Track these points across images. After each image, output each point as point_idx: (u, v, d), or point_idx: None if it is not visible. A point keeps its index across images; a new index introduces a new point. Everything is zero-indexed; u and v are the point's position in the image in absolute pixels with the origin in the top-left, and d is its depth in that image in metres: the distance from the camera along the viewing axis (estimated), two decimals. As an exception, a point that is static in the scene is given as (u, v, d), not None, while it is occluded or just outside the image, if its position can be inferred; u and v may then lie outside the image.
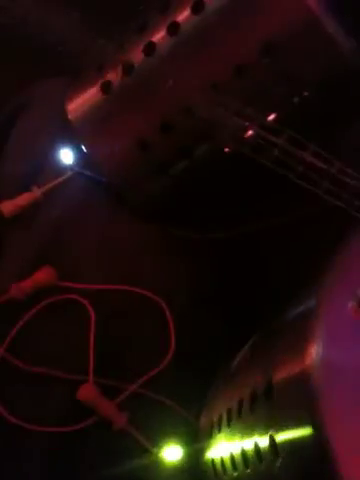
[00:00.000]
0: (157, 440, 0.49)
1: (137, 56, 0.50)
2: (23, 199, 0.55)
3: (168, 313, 0.54)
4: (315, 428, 0.33)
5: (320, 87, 0.49)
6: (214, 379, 0.51)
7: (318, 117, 0.51)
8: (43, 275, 0.52)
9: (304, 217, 0.57)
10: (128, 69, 0.50)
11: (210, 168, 0.53)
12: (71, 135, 0.55)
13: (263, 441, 0.37)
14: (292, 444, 0.35)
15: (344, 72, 0.48)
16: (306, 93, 0.49)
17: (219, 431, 0.45)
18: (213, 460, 0.45)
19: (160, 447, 0.49)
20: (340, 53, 0.47)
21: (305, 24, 0.45)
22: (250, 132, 0.52)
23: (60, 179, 0.55)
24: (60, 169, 0.56)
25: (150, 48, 0.49)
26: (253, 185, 0.56)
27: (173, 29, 0.48)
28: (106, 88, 0.51)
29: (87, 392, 0.49)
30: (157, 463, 0.49)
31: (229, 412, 0.43)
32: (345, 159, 0.58)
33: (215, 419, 0.46)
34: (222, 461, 0.43)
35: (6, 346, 0.50)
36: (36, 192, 0.55)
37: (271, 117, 0.51)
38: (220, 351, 0.52)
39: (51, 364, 0.50)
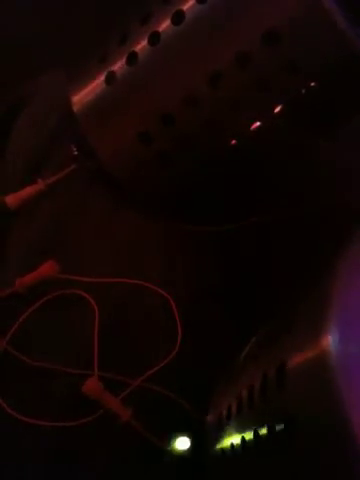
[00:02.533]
0: (162, 434, 0.49)
1: (141, 46, 0.49)
2: (27, 192, 0.54)
3: (174, 306, 0.53)
4: (333, 412, 0.33)
5: (326, 77, 0.48)
6: (221, 372, 0.50)
7: (324, 108, 0.51)
8: (46, 269, 0.52)
9: (307, 210, 0.57)
10: (132, 59, 0.50)
11: (213, 160, 0.53)
12: (74, 127, 0.54)
13: (278, 425, 0.37)
14: (308, 428, 0.35)
15: (350, 61, 0.47)
16: (313, 83, 0.49)
17: (228, 422, 0.44)
18: (223, 449, 0.45)
19: (165, 441, 0.49)
20: (346, 42, 0.46)
21: (308, 11, 0.45)
22: (257, 124, 0.52)
23: (64, 172, 0.55)
24: (64, 162, 0.56)
25: (154, 38, 0.49)
26: (256, 177, 0.56)
27: (178, 18, 0.48)
28: (110, 79, 0.51)
29: (92, 386, 0.48)
30: (162, 457, 0.48)
31: (239, 402, 0.42)
32: (345, 140, 0.58)
33: (224, 411, 0.45)
34: (232, 447, 0.43)
35: (9, 340, 0.50)
36: (40, 185, 0.55)
37: (277, 109, 0.51)
38: (225, 344, 0.52)
39: (54, 358, 0.50)
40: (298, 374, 0.36)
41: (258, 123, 0.51)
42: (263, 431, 0.39)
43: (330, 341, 0.34)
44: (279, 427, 0.37)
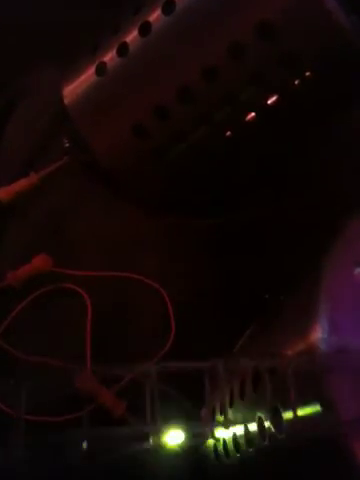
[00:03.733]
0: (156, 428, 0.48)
1: (132, 37, 0.49)
2: (20, 185, 0.54)
3: (168, 300, 0.53)
4: (323, 403, 0.33)
5: (321, 68, 0.47)
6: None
7: (319, 99, 0.50)
8: (39, 262, 0.51)
9: (303, 202, 0.56)
10: (123, 50, 0.49)
11: (208, 152, 0.52)
12: (67, 120, 0.54)
13: (267, 418, 0.37)
14: (297, 419, 0.35)
15: (345, 52, 0.46)
16: (307, 73, 0.48)
17: (221, 414, 0.44)
18: (215, 444, 0.45)
19: (159, 434, 0.48)
20: (340, 32, 0.45)
21: (301, 1, 0.44)
22: (252, 115, 0.51)
23: (57, 164, 0.54)
24: (57, 155, 0.55)
25: (145, 28, 0.48)
26: (252, 169, 0.55)
27: (168, 8, 0.47)
28: (100, 70, 0.50)
29: (85, 380, 0.48)
30: (156, 450, 0.48)
31: (231, 394, 0.42)
32: (345, 143, 0.57)
33: (217, 403, 0.45)
34: (224, 443, 0.43)
35: (1, 334, 0.50)
36: (33, 178, 0.54)
37: (272, 100, 0.50)
38: (220, 339, 0.51)
39: (47, 352, 0.50)
40: (289, 364, 0.36)
41: (253, 114, 0.51)
42: (253, 429, 0.39)
43: (319, 334, 0.34)
44: (268, 420, 0.37)
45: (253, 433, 0.39)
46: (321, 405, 0.33)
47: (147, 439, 0.47)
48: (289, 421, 0.35)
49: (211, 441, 0.45)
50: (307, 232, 0.55)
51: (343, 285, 0.35)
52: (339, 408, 0.33)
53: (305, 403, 0.35)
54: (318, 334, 0.34)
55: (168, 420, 0.49)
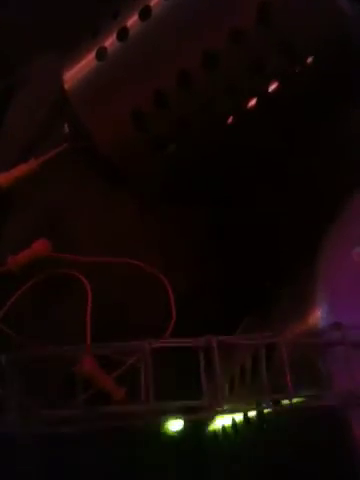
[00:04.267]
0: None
1: (132, 21, 0.49)
2: (20, 170, 0.54)
3: (169, 286, 0.53)
4: (322, 387, 0.33)
5: (321, 55, 0.47)
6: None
7: (320, 87, 0.50)
8: (39, 247, 0.51)
9: (304, 192, 0.56)
10: (123, 35, 0.49)
11: (208, 140, 0.52)
12: (67, 106, 0.53)
13: (266, 402, 0.37)
14: (296, 402, 0.34)
15: (346, 39, 0.46)
16: (309, 60, 0.48)
17: (220, 401, 0.44)
18: (215, 431, 0.45)
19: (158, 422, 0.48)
20: (341, 15, 0.45)
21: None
22: (252, 102, 0.51)
23: (56, 150, 0.54)
24: (57, 141, 0.55)
25: (145, 12, 0.48)
26: (253, 158, 0.55)
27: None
28: (101, 55, 0.50)
29: (85, 365, 0.48)
30: (156, 437, 0.48)
31: (232, 380, 0.42)
32: (343, 147, 0.57)
33: (218, 391, 0.45)
34: (224, 429, 0.42)
35: (1, 319, 0.50)
36: (32, 163, 0.54)
37: (272, 87, 0.50)
38: (221, 327, 0.51)
39: (47, 338, 0.50)
40: (285, 348, 0.36)
41: (254, 102, 0.51)
42: (252, 415, 0.39)
43: (319, 317, 0.34)
44: (267, 404, 0.37)
45: (252, 418, 0.39)
46: (319, 388, 0.33)
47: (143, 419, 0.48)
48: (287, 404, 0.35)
49: (211, 429, 0.46)
50: (308, 222, 0.55)
51: (342, 267, 0.35)
52: (339, 391, 0.33)
53: (303, 382, 0.34)
54: (317, 317, 0.34)
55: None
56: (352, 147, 0.57)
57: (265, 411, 0.37)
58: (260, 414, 0.38)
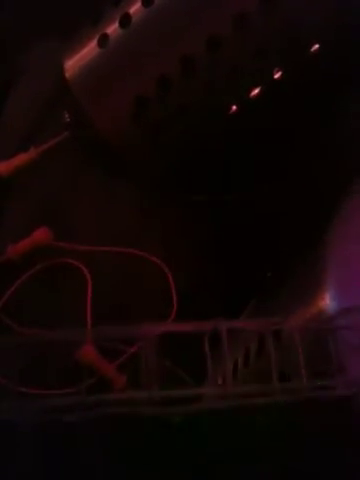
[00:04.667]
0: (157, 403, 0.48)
1: (135, 8, 0.48)
2: (20, 159, 0.54)
3: (170, 274, 0.52)
4: (332, 371, 0.33)
5: (326, 39, 0.47)
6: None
7: (324, 78, 0.50)
8: (39, 235, 0.51)
9: (308, 180, 0.56)
10: (125, 22, 0.49)
11: (212, 128, 0.52)
12: (68, 94, 0.53)
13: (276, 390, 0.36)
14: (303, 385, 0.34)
15: (352, 22, 0.46)
16: (313, 48, 0.48)
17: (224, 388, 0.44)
18: (216, 417, 0.44)
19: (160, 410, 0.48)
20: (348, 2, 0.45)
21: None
22: (257, 90, 0.51)
23: (57, 139, 0.54)
24: (57, 130, 0.55)
25: (148, -1, 0.48)
26: (256, 147, 0.55)
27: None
28: (102, 42, 0.50)
29: (86, 353, 0.48)
30: (158, 425, 0.48)
31: (235, 364, 0.42)
32: (344, 141, 0.57)
33: (220, 376, 0.45)
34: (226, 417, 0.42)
35: (2, 307, 0.49)
36: (32, 152, 0.54)
37: (277, 75, 0.50)
38: (222, 313, 0.51)
39: (48, 326, 0.49)
40: (295, 335, 0.36)
41: (258, 90, 0.51)
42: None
43: (328, 300, 0.34)
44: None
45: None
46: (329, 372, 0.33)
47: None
48: (299, 388, 0.35)
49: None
50: (310, 211, 0.55)
51: (350, 251, 0.34)
52: (349, 374, 0.32)
53: (314, 368, 0.34)
54: (326, 302, 0.34)
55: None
56: (352, 141, 0.57)
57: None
58: (270, 402, 0.37)
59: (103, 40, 0.50)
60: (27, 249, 0.51)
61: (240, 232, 0.55)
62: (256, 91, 0.51)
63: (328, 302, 0.33)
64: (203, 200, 0.55)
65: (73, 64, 0.52)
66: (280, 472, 0.38)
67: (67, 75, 0.52)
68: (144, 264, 0.53)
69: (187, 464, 0.48)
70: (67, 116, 0.54)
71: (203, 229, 0.55)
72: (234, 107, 0.51)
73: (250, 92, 0.50)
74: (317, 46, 0.48)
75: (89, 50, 0.51)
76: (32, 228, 0.52)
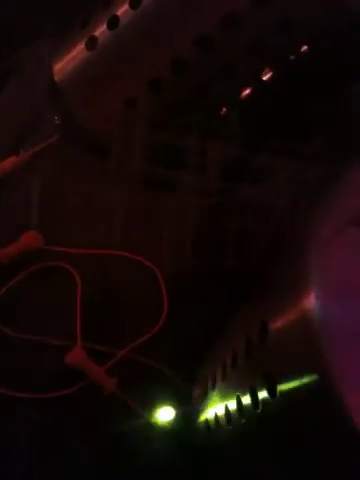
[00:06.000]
0: (148, 404, 0.48)
1: (123, 10, 0.48)
2: (10, 162, 0.54)
3: (160, 277, 0.52)
4: (315, 368, 0.32)
5: (319, 40, 0.47)
6: (210, 345, 0.49)
7: (316, 75, 0.50)
8: (29, 239, 0.51)
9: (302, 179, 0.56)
10: (113, 23, 0.48)
11: (203, 128, 0.52)
12: (58, 96, 0.53)
13: (259, 384, 0.36)
14: (289, 384, 0.34)
15: (346, 23, 0.46)
16: (304, 47, 0.48)
17: (213, 388, 0.44)
18: (207, 419, 0.44)
19: (151, 411, 0.48)
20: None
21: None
22: (246, 91, 0.51)
23: (47, 142, 0.54)
24: (48, 132, 0.55)
25: (135, 1, 0.48)
26: (248, 145, 0.55)
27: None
28: (91, 44, 0.50)
29: (75, 357, 0.48)
30: (148, 427, 0.48)
31: (224, 365, 0.42)
32: (343, 125, 0.57)
33: (210, 378, 0.45)
34: (216, 417, 0.42)
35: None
36: (23, 156, 0.54)
37: (267, 76, 0.50)
38: (214, 316, 0.51)
39: (39, 330, 0.49)
40: (280, 335, 0.36)
41: (248, 90, 0.51)
42: (246, 398, 0.38)
43: (312, 301, 0.33)
44: (260, 387, 0.36)
45: (246, 405, 0.38)
46: (313, 368, 0.33)
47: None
48: (284, 391, 0.34)
49: (202, 418, 0.45)
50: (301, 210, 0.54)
51: (334, 248, 0.34)
52: (332, 375, 0.32)
53: (297, 366, 0.34)
54: (311, 302, 0.34)
55: (159, 397, 0.49)
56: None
57: (260, 397, 0.37)
58: (254, 398, 0.37)
59: (91, 42, 0.50)
60: (17, 252, 0.51)
61: (234, 227, 0.55)
62: (247, 91, 0.51)
63: (312, 302, 0.33)
64: (194, 199, 0.55)
65: (62, 67, 0.52)
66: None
67: (56, 78, 0.52)
68: (136, 265, 0.53)
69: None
70: (57, 118, 0.54)
71: (196, 225, 0.55)
72: (225, 107, 0.51)
73: (241, 92, 0.50)
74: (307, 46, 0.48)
75: (78, 52, 0.51)
76: (22, 230, 0.52)
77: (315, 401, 0.33)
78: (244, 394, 0.38)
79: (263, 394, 0.36)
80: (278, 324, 0.36)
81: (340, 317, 0.33)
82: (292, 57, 0.49)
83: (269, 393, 0.35)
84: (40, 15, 0.61)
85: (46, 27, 0.59)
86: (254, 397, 0.37)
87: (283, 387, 0.34)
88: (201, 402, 0.46)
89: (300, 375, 0.33)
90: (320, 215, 0.35)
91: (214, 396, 0.44)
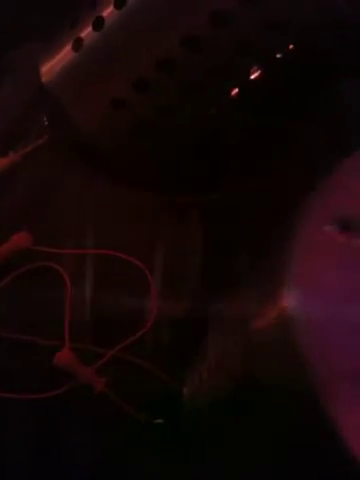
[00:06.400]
0: (138, 404, 0.48)
1: (108, 11, 0.48)
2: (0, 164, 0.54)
3: (150, 278, 0.52)
4: (295, 368, 0.33)
5: (307, 39, 0.47)
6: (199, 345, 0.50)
7: (305, 74, 0.50)
8: (19, 240, 0.51)
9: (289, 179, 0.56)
10: (98, 24, 0.49)
11: (192, 128, 0.52)
12: (46, 98, 0.53)
13: (244, 383, 0.37)
14: (272, 384, 0.34)
15: (334, 23, 0.46)
16: (291, 46, 0.48)
17: (201, 388, 0.44)
18: (197, 418, 0.44)
19: (141, 410, 0.48)
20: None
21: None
22: (236, 90, 0.51)
23: (36, 143, 0.54)
24: (37, 133, 0.55)
25: (121, 0, 0.48)
26: (239, 145, 0.55)
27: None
28: (77, 46, 0.50)
29: (64, 358, 0.48)
30: (138, 426, 0.48)
31: (211, 365, 0.42)
32: (337, 119, 0.57)
33: (197, 378, 0.45)
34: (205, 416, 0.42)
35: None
36: (13, 157, 0.54)
37: (255, 75, 0.50)
38: (205, 317, 0.51)
39: (27, 330, 0.49)
40: (263, 333, 0.36)
41: (237, 90, 0.50)
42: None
43: (291, 301, 0.34)
44: (245, 392, 0.37)
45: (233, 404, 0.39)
46: (293, 373, 0.33)
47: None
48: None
49: (193, 417, 0.46)
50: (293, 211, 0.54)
51: (312, 247, 0.34)
52: (312, 374, 0.32)
53: (280, 371, 0.34)
54: (288, 302, 0.34)
55: (151, 396, 0.49)
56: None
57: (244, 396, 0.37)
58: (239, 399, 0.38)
59: (77, 44, 0.50)
60: (6, 253, 0.51)
61: (226, 227, 0.55)
62: (236, 91, 0.51)
63: (291, 301, 0.33)
64: (186, 201, 0.55)
65: (49, 68, 0.52)
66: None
67: (44, 79, 0.53)
68: (126, 266, 0.53)
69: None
70: (46, 120, 0.54)
71: (187, 225, 0.55)
72: (213, 107, 0.51)
73: (229, 91, 0.50)
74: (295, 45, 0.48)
75: (65, 54, 0.51)
76: (12, 231, 0.52)
77: (295, 402, 0.33)
78: (230, 393, 0.38)
79: (248, 394, 0.36)
80: (261, 323, 0.36)
81: (320, 317, 0.33)
82: (279, 56, 0.49)
83: (253, 393, 0.35)
84: (34, 15, 0.62)
85: (39, 28, 0.59)
86: (239, 397, 0.37)
87: (265, 388, 0.35)
88: (191, 401, 0.47)
89: (280, 375, 0.34)
90: (301, 214, 0.35)
91: (203, 395, 0.44)
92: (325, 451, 0.33)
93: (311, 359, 0.33)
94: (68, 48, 0.51)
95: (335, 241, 0.34)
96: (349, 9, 0.45)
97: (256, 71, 0.49)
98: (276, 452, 0.37)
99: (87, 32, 0.49)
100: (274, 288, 0.35)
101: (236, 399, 0.37)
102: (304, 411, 0.33)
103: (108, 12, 0.48)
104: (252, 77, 0.50)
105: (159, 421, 0.48)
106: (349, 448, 0.31)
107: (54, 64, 0.52)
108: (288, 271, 0.34)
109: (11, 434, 0.49)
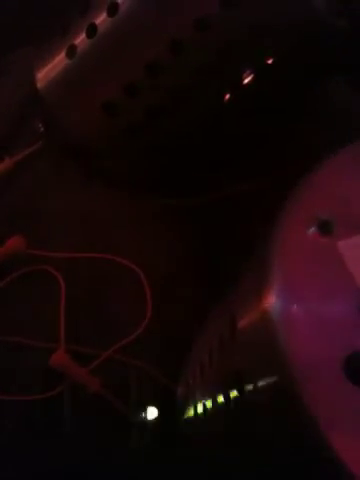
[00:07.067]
0: (132, 404, 0.49)
1: (101, 18, 0.49)
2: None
3: (144, 279, 0.53)
4: (276, 369, 0.33)
5: (288, 43, 0.47)
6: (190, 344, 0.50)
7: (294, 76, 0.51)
8: (13, 244, 0.52)
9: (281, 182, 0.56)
10: (91, 31, 0.49)
11: (181, 132, 0.52)
12: (41, 104, 0.54)
13: (231, 383, 0.37)
14: (254, 384, 0.34)
15: (317, 31, 0.47)
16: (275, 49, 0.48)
17: (194, 387, 0.44)
18: (190, 417, 0.45)
19: (135, 410, 0.49)
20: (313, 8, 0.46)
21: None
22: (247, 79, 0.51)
23: (31, 149, 0.55)
24: (31, 139, 0.56)
25: (113, 8, 0.49)
26: (229, 149, 0.56)
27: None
28: (71, 53, 0.51)
29: (59, 359, 0.48)
30: (133, 427, 0.49)
31: (202, 364, 0.42)
32: (325, 121, 0.58)
33: (191, 377, 0.46)
34: (197, 416, 0.43)
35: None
36: (7, 162, 0.55)
37: (247, 80, 0.51)
38: (198, 319, 0.51)
39: (23, 333, 0.50)
40: (246, 334, 0.36)
41: (228, 95, 0.51)
42: (220, 396, 0.39)
43: (272, 300, 0.34)
44: (233, 391, 0.37)
45: (221, 404, 0.39)
46: (275, 366, 0.33)
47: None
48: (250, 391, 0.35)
49: (186, 416, 0.46)
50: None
51: (296, 245, 0.34)
52: (293, 373, 0.32)
53: (262, 364, 0.34)
54: (271, 301, 0.34)
55: (144, 396, 0.50)
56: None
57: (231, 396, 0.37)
58: (226, 397, 0.38)
59: (71, 51, 0.51)
60: (2, 257, 0.52)
61: (219, 231, 0.56)
62: (226, 96, 0.51)
63: (272, 302, 0.33)
64: (177, 203, 0.56)
65: (44, 75, 0.53)
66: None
67: (38, 86, 0.53)
68: (120, 268, 0.54)
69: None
70: (40, 126, 0.55)
71: (181, 230, 0.56)
72: (203, 111, 0.52)
73: (219, 95, 0.51)
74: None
75: (59, 61, 0.52)
76: (6, 235, 0.52)
77: (277, 402, 0.33)
78: (218, 393, 0.39)
79: (234, 393, 0.37)
80: (244, 323, 0.36)
81: (302, 318, 0.33)
82: (265, 59, 0.49)
83: (238, 392, 0.36)
84: (31, 19, 0.62)
85: (36, 31, 0.60)
86: (226, 396, 0.37)
87: (249, 387, 0.35)
88: (184, 401, 0.47)
89: (263, 375, 0.34)
90: (283, 216, 0.35)
91: (195, 395, 0.45)
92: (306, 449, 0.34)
93: (291, 358, 0.32)
94: (62, 55, 0.52)
95: (311, 241, 0.34)
96: (325, 10, 0.46)
97: (248, 75, 0.50)
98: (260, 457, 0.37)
99: (80, 39, 0.50)
100: (256, 289, 0.35)
101: (225, 400, 0.37)
102: (286, 409, 0.33)
103: (101, 20, 0.49)
104: (244, 82, 0.51)
105: (152, 421, 0.49)
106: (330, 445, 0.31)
107: (49, 70, 0.53)
108: (268, 273, 0.34)
109: (2, 434, 0.49)
